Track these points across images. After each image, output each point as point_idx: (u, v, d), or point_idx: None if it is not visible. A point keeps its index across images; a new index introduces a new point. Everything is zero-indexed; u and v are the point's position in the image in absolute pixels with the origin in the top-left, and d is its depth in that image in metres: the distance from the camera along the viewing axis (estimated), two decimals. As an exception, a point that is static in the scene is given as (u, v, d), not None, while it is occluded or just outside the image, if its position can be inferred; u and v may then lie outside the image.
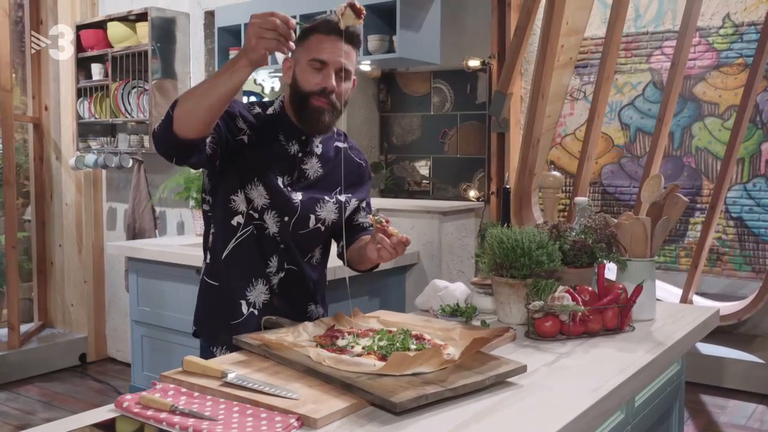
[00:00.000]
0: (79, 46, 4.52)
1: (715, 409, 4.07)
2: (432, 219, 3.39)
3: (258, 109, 1.91)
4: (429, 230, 3.41)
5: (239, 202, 1.88)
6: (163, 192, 4.08)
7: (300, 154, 1.91)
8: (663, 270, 5.67)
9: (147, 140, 4.24)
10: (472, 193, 5.76)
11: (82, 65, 4.56)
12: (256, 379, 1.41)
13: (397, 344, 1.53)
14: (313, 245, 1.98)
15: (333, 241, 2.06)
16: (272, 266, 1.93)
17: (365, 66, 3.67)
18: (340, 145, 2.02)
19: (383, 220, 1.77)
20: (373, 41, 3.38)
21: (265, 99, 5.56)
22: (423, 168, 6.24)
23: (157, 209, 4.43)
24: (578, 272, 2.02)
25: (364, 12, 1.72)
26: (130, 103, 4.27)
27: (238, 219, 1.89)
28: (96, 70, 4.47)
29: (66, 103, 4.81)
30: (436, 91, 6.16)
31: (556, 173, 2.35)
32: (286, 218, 1.88)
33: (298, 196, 1.89)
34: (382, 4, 3.34)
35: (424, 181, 6.19)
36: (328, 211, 1.95)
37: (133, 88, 4.28)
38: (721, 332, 4.43)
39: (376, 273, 3.26)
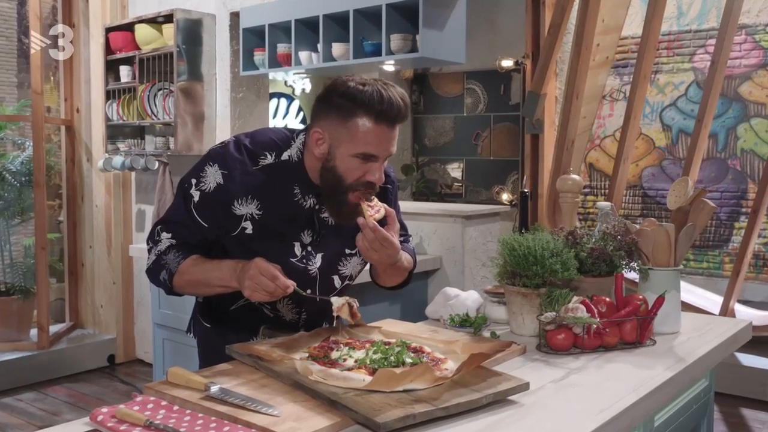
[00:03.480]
0: (108, 49, 4.54)
1: (756, 425, 3.88)
2: (455, 223, 3.29)
3: (269, 158, 1.66)
4: (452, 235, 3.31)
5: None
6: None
7: (317, 206, 1.70)
8: (706, 276, 5.46)
9: (172, 142, 4.23)
10: (505, 196, 5.63)
11: (111, 67, 4.58)
12: (239, 393, 1.34)
13: (392, 358, 1.44)
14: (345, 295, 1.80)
15: None
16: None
17: (388, 66, 3.60)
18: None
19: (363, 210, 1.60)
20: (395, 40, 3.30)
21: (295, 99, 5.55)
22: (455, 170, 6.12)
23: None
24: (596, 281, 1.91)
25: (359, 317, 1.63)
26: (156, 105, 4.27)
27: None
28: (124, 72, 4.48)
29: (96, 106, 4.84)
30: (469, 92, 6.04)
31: (575, 176, 2.24)
32: (309, 291, 1.71)
33: (315, 263, 1.72)
34: (405, 2, 3.26)
35: (456, 184, 6.08)
36: (353, 265, 1.79)
37: (159, 90, 4.28)
38: (765, 343, 4.22)
39: (397, 278, 3.19)
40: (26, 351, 4.50)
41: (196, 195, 1.65)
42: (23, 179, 4.75)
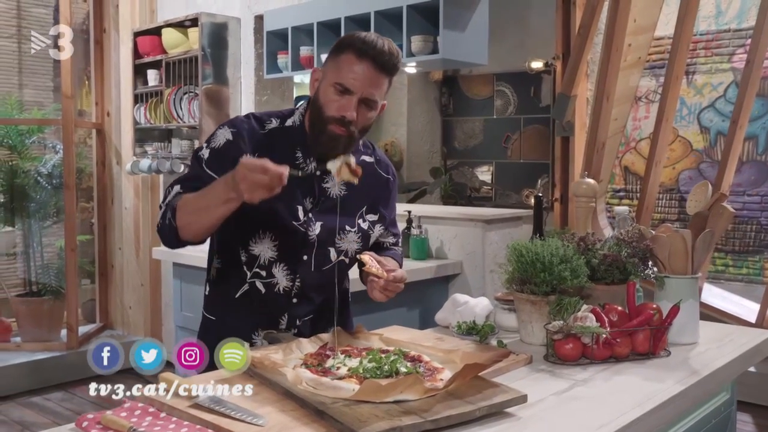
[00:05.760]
0: (137, 53, 4.59)
1: (793, 438, 3.73)
2: (475, 227, 3.23)
3: (274, 123, 1.75)
4: (473, 239, 3.25)
5: (242, 254, 1.74)
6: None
7: (318, 172, 1.73)
8: (745, 283, 5.31)
9: (197, 145, 4.25)
10: (535, 200, 5.55)
11: (140, 71, 4.63)
12: (227, 402, 1.32)
13: (385, 367, 1.40)
14: (339, 278, 1.81)
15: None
16: (283, 323, 1.78)
17: (410, 68, 3.56)
18: (368, 159, 1.85)
19: (365, 262, 1.65)
20: (416, 42, 3.26)
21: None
22: (485, 173, 6.06)
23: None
24: (609, 289, 1.84)
25: (360, 171, 1.62)
26: (182, 109, 4.30)
27: (243, 269, 1.75)
28: (152, 76, 4.53)
29: (126, 109, 4.91)
30: (499, 94, 5.97)
31: (590, 180, 2.17)
32: (305, 257, 1.72)
33: (315, 229, 1.73)
34: (426, 3, 3.23)
35: (485, 187, 6.01)
36: (349, 241, 1.78)
37: (185, 93, 4.31)
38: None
39: (417, 283, 3.14)
40: (56, 351, 4.57)
41: (206, 153, 1.71)
42: (54, 182, 4.84)
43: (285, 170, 1.48)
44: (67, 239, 4.63)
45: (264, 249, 1.72)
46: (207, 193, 1.60)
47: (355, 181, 1.63)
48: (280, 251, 1.71)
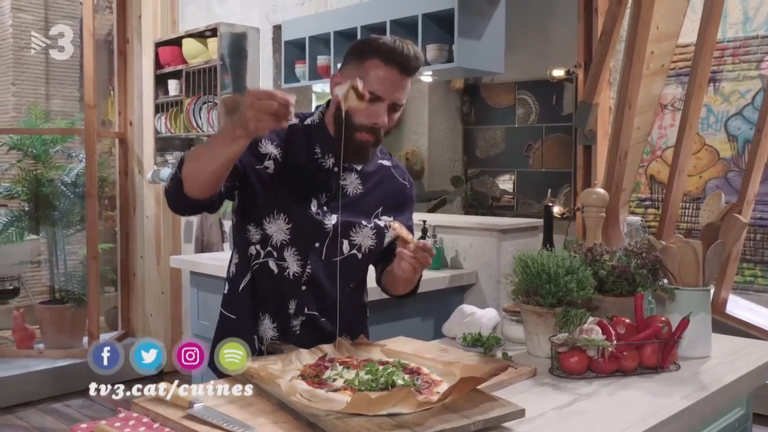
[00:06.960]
0: (158, 63, 4.64)
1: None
2: (490, 237, 3.20)
3: (294, 120, 1.78)
4: (488, 249, 3.22)
5: (254, 233, 1.75)
6: (228, 206, 4.09)
7: (336, 169, 1.77)
8: (771, 294, 5.18)
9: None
10: (557, 209, 5.49)
11: (161, 81, 4.68)
12: (220, 413, 1.31)
13: (381, 379, 1.38)
14: (350, 274, 1.81)
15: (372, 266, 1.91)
16: (291, 308, 1.78)
17: (425, 77, 3.55)
18: (385, 163, 1.88)
19: (395, 228, 1.63)
20: (431, 50, 3.25)
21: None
22: (506, 182, 6.02)
23: (226, 223, 4.45)
24: (618, 301, 1.80)
25: (367, 95, 1.57)
26: (201, 118, 4.33)
27: (252, 249, 1.77)
28: (172, 86, 4.58)
29: (147, 119, 4.96)
30: (521, 103, 5.93)
31: (599, 190, 2.13)
32: (317, 244, 1.74)
33: (331, 220, 1.75)
34: (441, 12, 3.21)
35: (506, 196, 5.96)
36: (364, 236, 1.79)
37: (204, 103, 4.34)
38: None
39: (431, 293, 3.11)
40: (76, 358, 4.61)
41: None
42: (78, 190, 4.90)
43: (292, 98, 1.44)
44: (88, 247, 4.68)
45: (276, 230, 1.72)
46: (214, 136, 1.58)
47: (363, 105, 1.57)
48: (293, 235, 1.72)
